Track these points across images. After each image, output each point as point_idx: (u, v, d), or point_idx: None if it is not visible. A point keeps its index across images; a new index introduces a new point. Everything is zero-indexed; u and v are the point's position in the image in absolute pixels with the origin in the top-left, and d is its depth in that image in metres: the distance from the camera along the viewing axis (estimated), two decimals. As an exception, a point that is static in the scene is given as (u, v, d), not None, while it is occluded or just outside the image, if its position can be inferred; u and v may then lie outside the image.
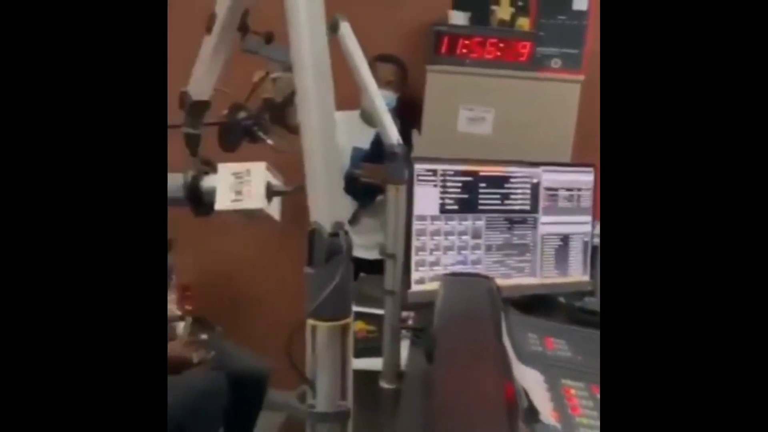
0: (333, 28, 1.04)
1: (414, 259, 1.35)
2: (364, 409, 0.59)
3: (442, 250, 1.39)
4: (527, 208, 1.47)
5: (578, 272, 1.54)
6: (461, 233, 1.40)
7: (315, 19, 0.54)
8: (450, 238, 1.39)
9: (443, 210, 1.38)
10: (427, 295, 1.31)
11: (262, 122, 1.01)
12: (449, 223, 1.39)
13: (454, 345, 1.04)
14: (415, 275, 1.36)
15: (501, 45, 2.10)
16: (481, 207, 1.41)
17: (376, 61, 2.14)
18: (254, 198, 0.85)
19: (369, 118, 2.12)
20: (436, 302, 1.24)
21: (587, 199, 1.55)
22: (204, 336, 1.78)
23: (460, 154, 1.53)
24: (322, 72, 0.55)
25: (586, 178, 1.55)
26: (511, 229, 1.45)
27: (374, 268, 1.39)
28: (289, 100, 1.04)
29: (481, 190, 1.41)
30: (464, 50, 2.11)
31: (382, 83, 2.07)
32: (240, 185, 0.86)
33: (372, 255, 1.48)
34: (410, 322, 1.49)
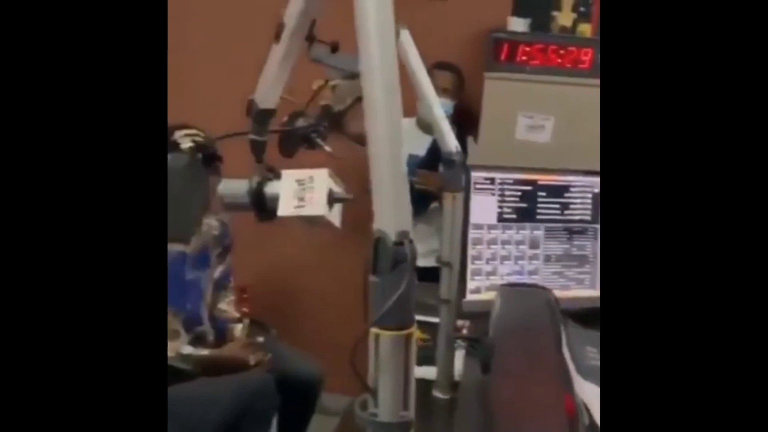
0: None
1: (470, 268, 1.34)
2: (417, 419, 0.58)
3: (499, 259, 1.37)
4: (588, 218, 1.43)
5: (640, 285, 1.49)
6: (519, 243, 1.38)
7: (384, 27, 0.54)
8: (507, 247, 1.37)
9: (501, 219, 1.36)
10: (482, 305, 1.29)
11: (320, 129, 1.02)
12: (507, 232, 1.37)
13: (512, 356, 1.02)
14: (470, 284, 1.34)
15: (562, 52, 2.07)
16: (539, 216, 1.39)
17: (433, 68, 2.14)
18: (316, 205, 0.86)
19: (425, 126, 2.12)
20: (492, 312, 1.22)
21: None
22: (260, 338, 1.80)
23: (517, 163, 1.51)
24: (390, 79, 0.55)
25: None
26: (570, 240, 1.42)
27: (428, 275, 1.38)
28: (348, 107, 1.05)
29: (539, 200, 1.39)
30: (524, 57, 2.09)
31: (440, 91, 2.07)
32: (303, 192, 0.87)
33: (426, 262, 1.47)
34: (465, 331, 1.48)
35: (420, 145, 2.20)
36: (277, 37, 0.75)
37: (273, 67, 0.78)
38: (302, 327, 2.44)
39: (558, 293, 1.19)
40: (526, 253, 1.38)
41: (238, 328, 1.83)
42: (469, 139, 2.24)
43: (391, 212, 0.56)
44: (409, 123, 2.27)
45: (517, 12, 2.16)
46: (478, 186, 1.35)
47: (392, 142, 0.55)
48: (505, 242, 1.37)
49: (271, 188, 0.90)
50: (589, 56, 2.05)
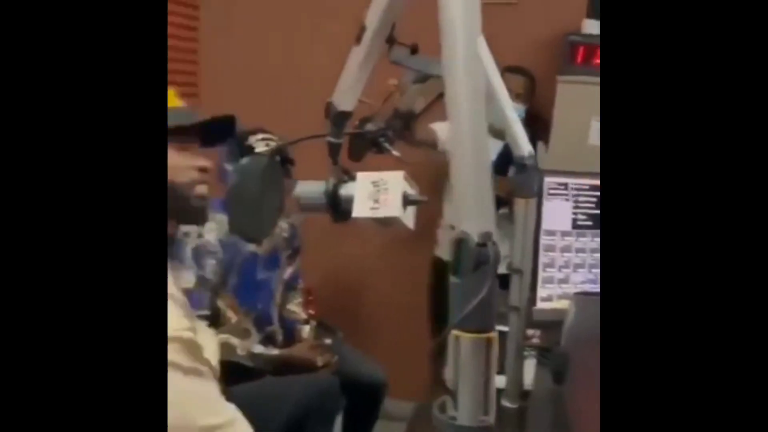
0: None
1: (541, 275, 1.31)
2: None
3: (572, 267, 1.33)
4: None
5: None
6: (593, 250, 1.34)
7: (470, 20, 0.54)
8: (581, 255, 1.33)
9: (575, 226, 1.32)
10: (554, 314, 1.26)
11: (389, 134, 1.02)
12: (581, 239, 1.33)
13: (588, 366, 0.99)
14: (541, 292, 1.31)
15: (638, 55, 1.99)
16: (616, 224, 1.34)
17: (505, 72, 2.12)
18: (391, 206, 0.86)
19: (495, 131, 2.09)
20: (565, 321, 1.19)
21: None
22: (328, 341, 1.82)
23: (590, 168, 1.46)
24: (474, 75, 0.55)
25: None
26: (648, 249, 1.36)
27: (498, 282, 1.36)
28: (423, 110, 1.04)
29: (616, 206, 1.34)
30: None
31: (512, 95, 2.04)
32: (377, 194, 0.88)
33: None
34: (535, 340, 1.44)
35: (490, 150, 2.17)
36: (358, 39, 0.75)
37: (353, 70, 0.79)
38: (366, 330, 2.45)
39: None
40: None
41: (306, 330, 1.86)
42: (540, 145, 2.20)
43: (474, 212, 0.55)
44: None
45: (593, 14, 2.11)
46: (550, 191, 1.32)
47: (476, 139, 0.55)
48: (579, 250, 1.33)
49: (346, 190, 0.91)
50: (667, 59, 1.97)
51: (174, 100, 1.02)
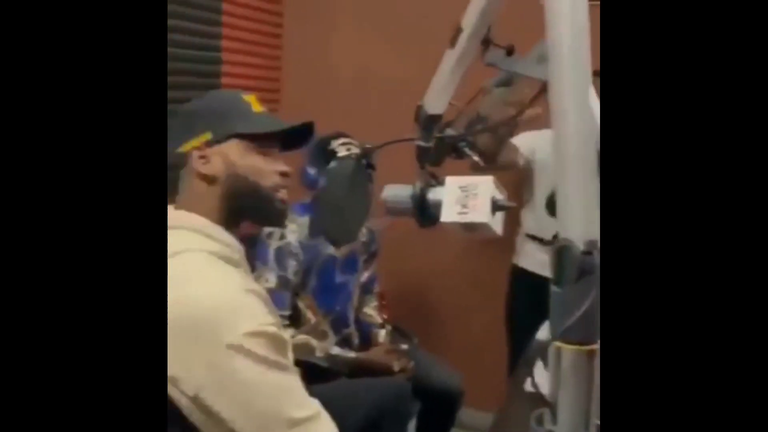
0: None
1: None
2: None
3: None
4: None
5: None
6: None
7: (578, 16, 0.52)
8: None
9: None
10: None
11: (469, 139, 1.00)
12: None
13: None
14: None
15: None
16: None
17: (595, 76, 2.05)
18: (480, 212, 0.84)
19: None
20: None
21: None
22: (404, 346, 1.82)
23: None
24: (581, 75, 0.53)
25: None
26: None
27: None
28: (518, 113, 1.01)
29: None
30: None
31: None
32: (466, 198, 0.86)
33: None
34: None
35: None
36: (453, 42, 0.74)
37: (445, 73, 0.78)
38: (439, 337, 2.42)
39: None
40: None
41: (382, 334, 1.86)
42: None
43: (579, 218, 0.53)
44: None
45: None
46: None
47: (582, 139, 0.52)
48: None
49: (434, 194, 0.90)
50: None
51: (256, 106, 1.05)
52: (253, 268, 1.65)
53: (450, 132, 0.96)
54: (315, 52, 2.53)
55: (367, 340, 1.87)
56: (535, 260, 2.00)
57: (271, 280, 1.62)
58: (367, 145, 0.96)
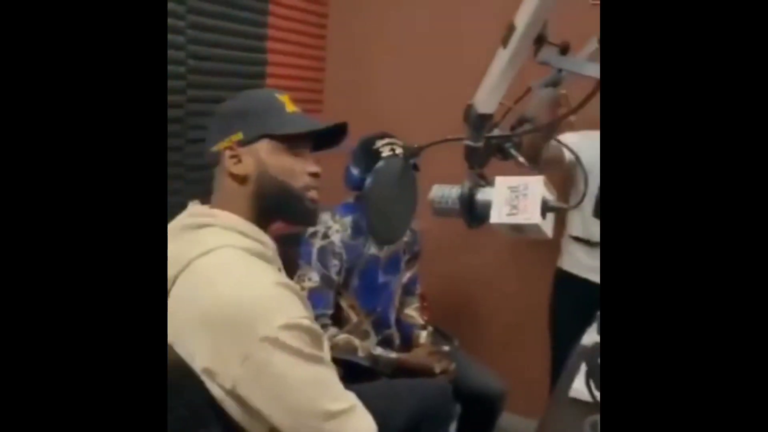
0: None
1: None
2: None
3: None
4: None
5: None
6: None
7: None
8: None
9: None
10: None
11: (515, 140, 0.99)
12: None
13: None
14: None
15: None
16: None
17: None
18: (530, 213, 0.83)
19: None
20: None
21: None
22: (446, 347, 1.81)
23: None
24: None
25: None
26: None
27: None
28: (558, 120, 1.00)
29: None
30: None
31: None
32: (516, 199, 0.85)
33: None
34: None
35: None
36: (505, 41, 0.74)
37: (496, 72, 0.77)
38: (481, 340, 2.40)
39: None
40: None
41: (423, 335, 1.85)
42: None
43: None
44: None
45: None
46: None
47: None
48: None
49: (482, 195, 0.89)
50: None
51: (290, 105, 1.05)
52: (296, 267, 1.67)
53: (496, 132, 0.95)
54: (358, 53, 2.54)
55: (408, 341, 1.86)
56: (580, 263, 1.96)
57: (315, 279, 1.63)
58: (415, 145, 0.96)
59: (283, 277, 0.99)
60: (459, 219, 0.93)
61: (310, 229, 1.68)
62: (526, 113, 1.00)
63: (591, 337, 1.48)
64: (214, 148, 1.03)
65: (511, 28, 0.72)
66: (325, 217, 1.70)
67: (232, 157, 1.01)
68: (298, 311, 0.92)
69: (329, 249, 1.65)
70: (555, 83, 1.01)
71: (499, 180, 0.87)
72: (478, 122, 0.84)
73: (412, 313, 1.94)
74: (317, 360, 0.92)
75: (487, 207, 0.87)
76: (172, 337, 0.95)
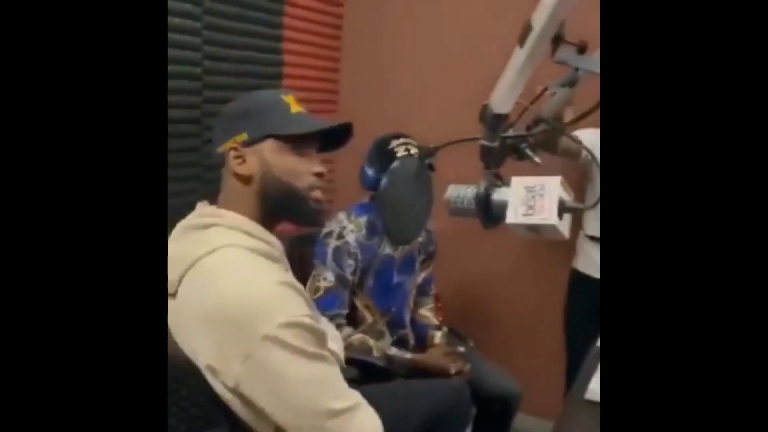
0: None
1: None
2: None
3: None
4: None
5: None
6: None
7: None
8: None
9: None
10: None
11: (530, 140, 0.98)
12: None
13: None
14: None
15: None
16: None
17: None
18: (547, 213, 0.83)
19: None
20: None
21: None
22: (461, 348, 1.80)
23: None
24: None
25: None
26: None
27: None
28: (576, 119, 0.99)
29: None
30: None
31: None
32: (532, 199, 0.85)
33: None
34: None
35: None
36: (521, 41, 0.73)
37: (513, 72, 0.77)
38: (496, 340, 2.39)
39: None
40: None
41: (438, 335, 1.85)
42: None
43: None
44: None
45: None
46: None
47: None
48: None
49: (498, 195, 0.89)
50: None
51: (295, 106, 1.05)
52: (311, 267, 1.67)
53: (512, 132, 0.95)
54: (373, 53, 2.54)
55: (422, 342, 1.86)
56: (596, 264, 1.95)
57: (330, 279, 1.63)
58: (431, 145, 0.96)
59: (287, 276, 1.00)
60: (474, 219, 0.92)
61: (325, 229, 1.68)
62: (542, 113, 0.99)
63: (607, 338, 1.47)
64: (220, 149, 1.04)
65: (528, 28, 0.71)
66: (341, 217, 1.70)
67: (237, 157, 1.02)
68: (299, 310, 0.92)
69: (344, 249, 1.65)
70: (572, 83, 1.00)
71: (516, 180, 0.87)
72: (494, 122, 0.84)
73: (427, 313, 1.93)
74: (319, 358, 0.92)
75: (503, 207, 0.86)
76: (179, 336, 0.96)
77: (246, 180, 1.02)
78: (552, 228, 0.83)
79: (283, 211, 1.05)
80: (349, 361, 1.33)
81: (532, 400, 1.98)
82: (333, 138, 1.10)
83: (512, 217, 0.85)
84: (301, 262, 1.75)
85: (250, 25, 2.02)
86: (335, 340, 1.27)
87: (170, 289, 0.97)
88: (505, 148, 0.93)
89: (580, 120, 0.98)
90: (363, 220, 1.70)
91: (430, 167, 1.59)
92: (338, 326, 1.60)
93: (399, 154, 1.62)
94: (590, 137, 1.88)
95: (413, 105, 2.44)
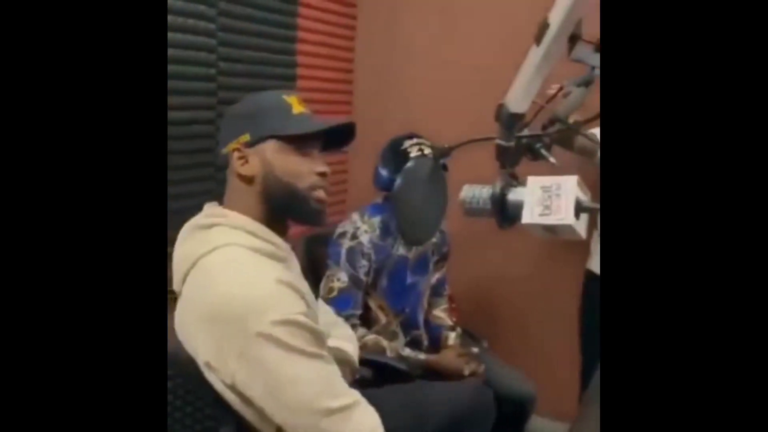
0: None
1: None
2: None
3: None
4: None
5: None
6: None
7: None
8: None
9: None
10: None
11: (546, 140, 0.98)
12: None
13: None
14: None
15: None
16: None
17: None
18: (563, 213, 0.82)
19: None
20: None
21: None
22: (475, 349, 1.79)
23: None
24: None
25: None
26: None
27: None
28: (591, 119, 0.98)
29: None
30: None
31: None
32: (548, 199, 0.84)
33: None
34: None
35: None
36: (538, 39, 0.73)
37: (529, 71, 0.76)
38: (510, 342, 2.38)
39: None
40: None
41: (452, 336, 1.84)
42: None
43: None
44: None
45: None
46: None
47: None
48: None
49: (514, 195, 0.88)
50: None
51: (297, 106, 1.06)
52: (325, 268, 1.67)
53: (527, 132, 0.94)
54: (387, 54, 2.54)
55: (436, 343, 1.85)
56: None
57: (343, 279, 1.63)
58: (446, 145, 0.95)
59: (287, 275, 1.00)
60: (488, 220, 0.92)
61: (339, 230, 1.68)
62: (558, 112, 0.99)
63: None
64: (224, 150, 1.06)
65: (544, 26, 0.71)
66: (354, 218, 1.70)
67: (240, 158, 1.03)
68: (293, 307, 0.93)
69: (358, 249, 1.65)
70: (588, 82, 0.99)
71: (532, 180, 0.86)
72: (510, 121, 0.84)
73: (441, 314, 1.93)
74: (315, 356, 0.93)
75: (519, 207, 0.86)
76: (182, 335, 0.97)
77: (248, 180, 1.03)
78: (569, 228, 0.82)
79: (285, 211, 1.06)
80: (363, 362, 1.32)
81: (546, 401, 1.96)
82: (339, 137, 1.10)
83: (528, 217, 0.84)
84: (315, 262, 1.75)
85: (264, 27, 2.03)
86: (350, 340, 1.27)
87: (176, 288, 0.99)
88: (520, 147, 0.92)
89: (595, 119, 0.97)
90: (377, 220, 1.69)
91: (444, 167, 1.59)
92: (352, 327, 1.60)
93: (412, 155, 1.62)
94: None
95: (427, 105, 2.44)
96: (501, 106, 0.83)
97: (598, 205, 0.87)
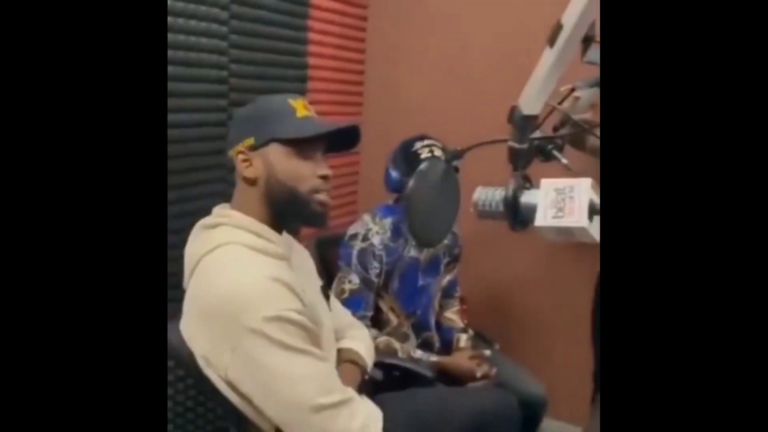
0: None
1: None
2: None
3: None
4: None
5: None
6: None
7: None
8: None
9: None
10: None
11: (557, 142, 0.97)
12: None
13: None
14: None
15: None
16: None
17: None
18: (577, 216, 0.81)
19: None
20: None
21: None
22: (487, 351, 1.78)
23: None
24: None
25: None
26: None
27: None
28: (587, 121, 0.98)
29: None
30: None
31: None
32: (562, 202, 0.83)
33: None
34: None
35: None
36: (551, 41, 0.72)
37: (543, 73, 0.76)
38: (522, 344, 2.37)
39: None
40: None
41: (464, 338, 1.83)
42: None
43: None
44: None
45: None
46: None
47: None
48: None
49: (527, 197, 0.88)
50: None
51: (302, 110, 1.08)
52: (336, 269, 1.67)
53: (539, 133, 0.94)
54: (397, 55, 2.54)
55: (448, 345, 1.85)
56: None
57: (354, 281, 1.63)
58: (458, 147, 0.95)
59: (289, 273, 1.02)
60: (500, 222, 0.91)
61: (350, 231, 1.68)
62: (570, 114, 0.98)
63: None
64: (230, 153, 1.08)
65: (558, 28, 0.70)
66: (366, 219, 1.70)
67: (244, 161, 1.06)
68: (285, 304, 0.94)
69: (369, 251, 1.64)
70: (599, 83, 0.99)
71: (545, 182, 0.85)
72: (523, 123, 0.83)
73: (452, 316, 1.92)
74: (306, 353, 0.94)
75: (532, 210, 0.85)
76: (184, 332, 1.00)
77: (252, 182, 1.06)
78: (582, 231, 0.82)
79: (287, 213, 1.08)
80: (374, 364, 1.32)
81: (559, 404, 1.95)
82: (345, 139, 1.11)
83: (541, 219, 0.84)
84: (326, 263, 1.75)
85: (275, 29, 2.03)
86: (364, 341, 1.28)
87: (185, 286, 1.02)
88: (532, 149, 0.92)
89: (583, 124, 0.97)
90: (388, 221, 1.69)
91: (455, 169, 1.58)
92: (364, 328, 1.60)
93: (423, 156, 1.61)
94: None
95: (438, 107, 2.43)
96: (514, 108, 0.83)
97: (611, 208, 0.86)
